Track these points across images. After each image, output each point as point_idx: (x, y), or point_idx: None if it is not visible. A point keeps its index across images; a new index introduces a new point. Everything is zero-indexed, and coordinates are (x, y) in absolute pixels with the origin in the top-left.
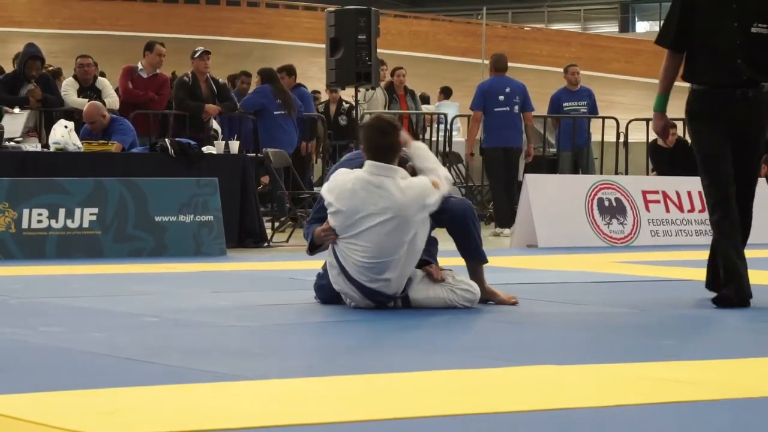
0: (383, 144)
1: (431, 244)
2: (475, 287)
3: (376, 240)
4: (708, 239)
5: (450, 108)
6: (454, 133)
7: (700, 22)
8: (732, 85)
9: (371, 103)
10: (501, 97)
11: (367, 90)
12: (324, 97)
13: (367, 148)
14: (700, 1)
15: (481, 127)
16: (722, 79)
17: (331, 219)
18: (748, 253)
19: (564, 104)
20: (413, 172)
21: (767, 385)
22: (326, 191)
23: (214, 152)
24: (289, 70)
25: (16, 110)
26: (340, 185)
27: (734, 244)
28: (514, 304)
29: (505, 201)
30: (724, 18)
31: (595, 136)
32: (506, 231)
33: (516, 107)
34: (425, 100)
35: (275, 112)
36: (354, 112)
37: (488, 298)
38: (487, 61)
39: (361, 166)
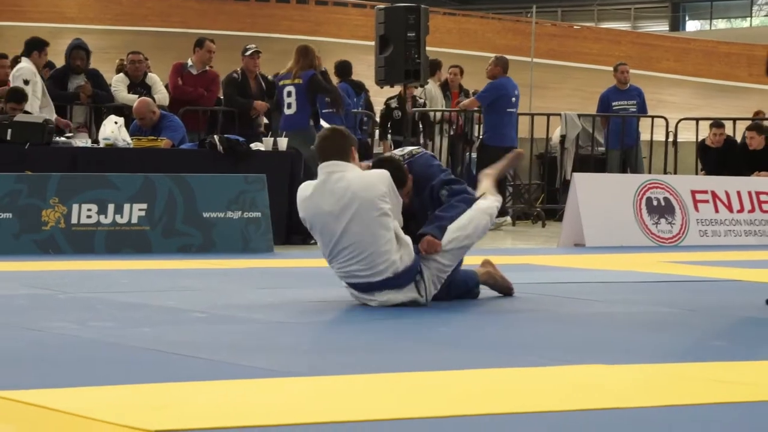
0: (326, 146)
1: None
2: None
3: (356, 234)
4: (757, 239)
5: None
6: None
7: None
8: None
9: (430, 100)
10: (513, 99)
11: (416, 87)
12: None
13: (319, 154)
14: None
15: (480, 124)
16: None
17: (315, 237)
18: None
19: (613, 103)
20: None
21: None
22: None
23: (263, 149)
24: (341, 68)
25: (69, 134)
26: (300, 198)
27: None
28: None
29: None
30: None
31: (644, 136)
32: (503, 219)
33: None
34: None
35: (323, 110)
36: (407, 107)
37: (487, 280)
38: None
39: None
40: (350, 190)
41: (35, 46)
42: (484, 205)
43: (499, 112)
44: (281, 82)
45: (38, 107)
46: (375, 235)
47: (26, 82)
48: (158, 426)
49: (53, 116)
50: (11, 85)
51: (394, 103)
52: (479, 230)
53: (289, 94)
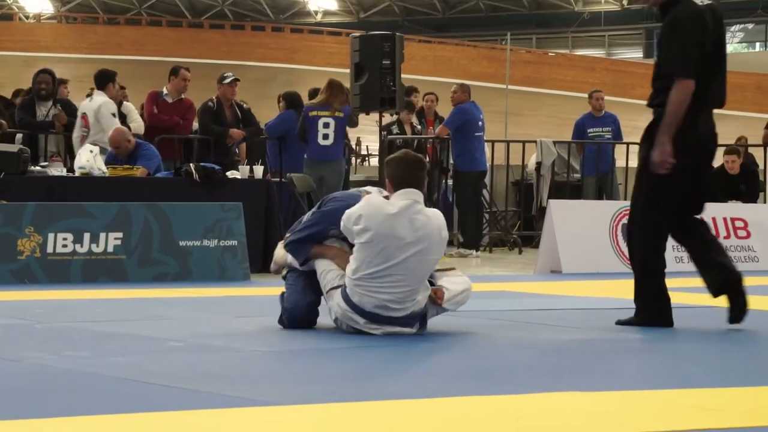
0: (418, 176)
1: None
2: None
3: (416, 268)
4: (739, 266)
5: None
6: None
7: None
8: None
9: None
10: (480, 123)
11: (391, 115)
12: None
13: (400, 179)
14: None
15: (450, 150)
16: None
17: (362, 249)
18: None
19: (588, 130)
20: None
21: None
22: (355, 217)
23: (239, 177)
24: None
25: (44, 163)
26: (379, 209)
27: None
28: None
29: (473, 224)
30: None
31: (620, 162)
32: (474, 252)
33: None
34: None
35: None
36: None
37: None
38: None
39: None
40: (428, 227)
41: (109, 79)
42: (468, 281)
43: (467, 137)
44: (313, 113)
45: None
46: (424, 276)
47: (114, 115)
48: None
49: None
50: (90, 119)
51: (395, 129)
52: (466, 299)
53: (326, 125)
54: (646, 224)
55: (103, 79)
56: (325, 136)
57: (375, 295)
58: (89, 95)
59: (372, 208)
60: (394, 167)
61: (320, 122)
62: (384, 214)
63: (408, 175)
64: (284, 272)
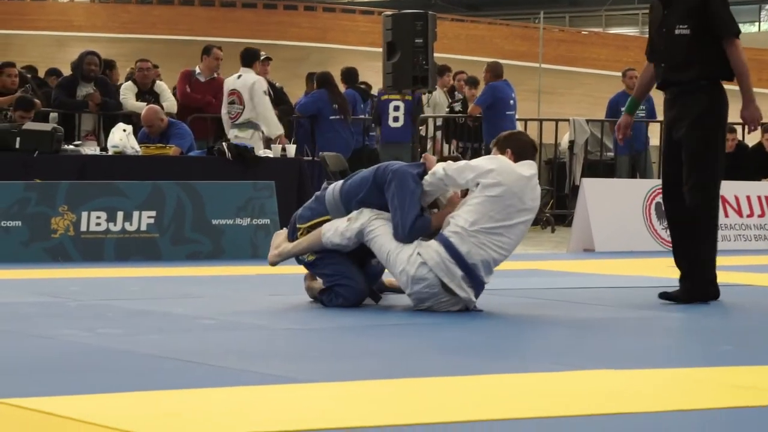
0: (529, 148)
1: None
2: None
3: (518, 237)
4: (767, 244)
5: None
6: None
7: (651, 35)
8: (661, 88)
9: (433, 106)
10: (511, 102)
11: (424, 94)
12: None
13: (524, 151)
14: (651, 17)
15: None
16: (659, 84)
17: (487, 203)
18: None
19: (622, 108)
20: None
21: None
22: (485, 170)
23: (271, 155)
24: (347, 75)
25: (77, 142)
26: (512, 168)
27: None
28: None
29: None
30: (659, 25)
31: (654, 141)
32: None
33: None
34: None
35: (330, 117)
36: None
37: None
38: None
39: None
40: (538, 201)
41: (255, 57)
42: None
43: (498, 116)
44: (385, 97)
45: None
46: (518, 242)
47: (265, 93)
48: None
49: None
50: (245, 95)
51: (458, 106)
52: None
53: (397, 108)
54: (717, 195)
55: (249, 58)
56: (396, 119)
57: (486, 250)
58: (239, 74)
59: (505, 165)
60: (517, 141)
61: (391, 105)
62: (518, 173)
63: (530, 150)
64: (309, 257)
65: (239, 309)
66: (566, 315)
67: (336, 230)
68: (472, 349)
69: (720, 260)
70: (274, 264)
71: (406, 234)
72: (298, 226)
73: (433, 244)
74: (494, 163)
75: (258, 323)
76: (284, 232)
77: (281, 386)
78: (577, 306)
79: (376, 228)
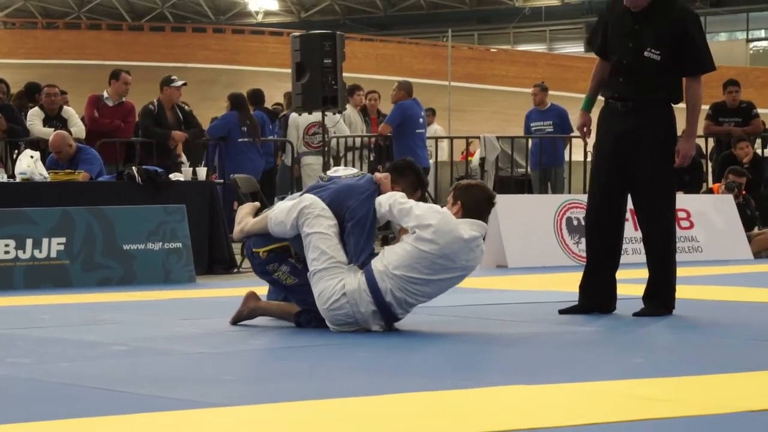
0: (489, 212)
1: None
2: None
3: (441, 289)
4: (678, 256)
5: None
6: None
7: (609, 38)
8: (615, 99)
9: (339, 126)
10: (420, 120)
11: (334, 114)
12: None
13: (476, 209)
14: (611, 18)
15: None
16: (611, 93)
17: (415, 254)
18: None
19: (531, 124)
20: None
21: (740, 400)
22: (425, 224)
23: (182, 179)
24: (253, 97)
25: None
26: (453, 229)
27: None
28: None
29: None
30: (624, 37)
31: (567, 155)
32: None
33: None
34: None
35: (239, 139)
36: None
37: None
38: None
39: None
40: (477, 260)
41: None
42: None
43: (408, 134)
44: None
45: None
46: (440, 292)
47: None
48: None
49: None
50: None
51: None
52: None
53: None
54: (672, 215)
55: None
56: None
57: (404, 294)
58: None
59: (445, 224)
60: (473, 196)
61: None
62: (455, 235)
63: (484, 208)
64: (288, 281)
65: (151, 334)
66: (477, 331)
67: (282, 208)
68: (381, 369)
69: (629, 273)
70: (238, 241)
71: (356, 264)
72: (254, 250)
73: (358, 273)
74: (435, 219)
75: (170, 348)
76: (248, 206)
77: (194, 411)
78: (488, 322)
79: (315, 231)
